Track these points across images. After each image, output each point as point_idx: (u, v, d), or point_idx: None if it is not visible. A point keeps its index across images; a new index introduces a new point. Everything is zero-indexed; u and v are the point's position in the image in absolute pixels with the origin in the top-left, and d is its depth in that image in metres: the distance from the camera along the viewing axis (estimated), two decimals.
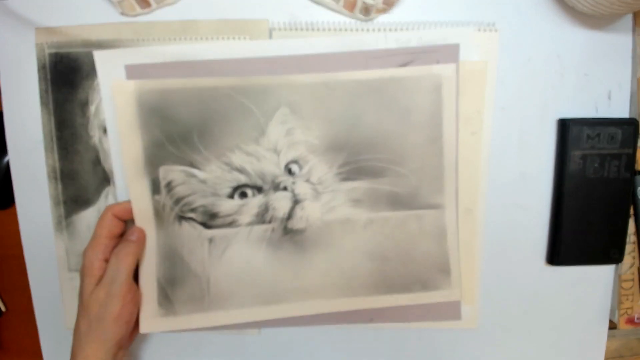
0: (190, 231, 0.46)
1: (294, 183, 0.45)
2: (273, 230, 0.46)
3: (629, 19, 0.42)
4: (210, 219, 0.45)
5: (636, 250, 0.40)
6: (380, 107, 0.45)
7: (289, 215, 0.46)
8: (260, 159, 0.45)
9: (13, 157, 0.42)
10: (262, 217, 0.46)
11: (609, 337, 0.41)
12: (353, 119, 0.44)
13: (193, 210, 0.46)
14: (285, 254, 0.46)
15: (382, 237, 0.47)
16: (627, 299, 0.39)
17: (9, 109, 0.42)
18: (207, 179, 0.45)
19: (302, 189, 0.45)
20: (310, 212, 0.46)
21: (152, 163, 0.44)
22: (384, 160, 0.46)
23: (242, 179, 0.45)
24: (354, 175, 0.46)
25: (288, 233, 0.46)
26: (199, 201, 0.46)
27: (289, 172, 0.46)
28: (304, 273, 0.46)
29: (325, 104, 0.44)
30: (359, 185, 0.46)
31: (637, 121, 0.41)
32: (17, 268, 0.43)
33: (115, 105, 0.44)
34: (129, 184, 0.45)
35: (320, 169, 0.46)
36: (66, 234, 0.44)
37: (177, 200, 0.46)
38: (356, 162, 0.46)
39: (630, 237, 0.40)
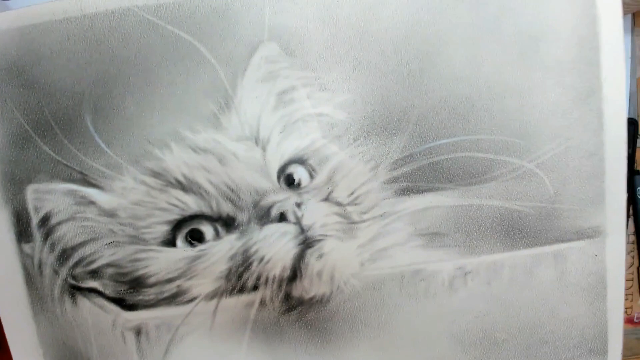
0: (97, 315, 0.26)
1: (299, 205, 0.24)
2: (263, 303, 0.25)
3: (627, 20, 0.39)
4: (131, 291, 0.25)
5: (635, 250, 0.38)
6: (479, 31, 0.24)
7: (295, 272, 0.25)
8: (226, 158, 0.24)
9: None
10: (239, 279, 0.25)
11: None
12: (422, 60, 0.24)
13: (95, 273, 0.25)
14: (292, 349, 0.26)
15: (487, 302, 0.26)
16: (627, 299, 0.38)
17: None
18: (117, 207, 0.25)
19: (317, 216, 0.24)
20: (339, 263, 0.25)
21: (14, 179, 0.25)
22: (488, 146, 0.25)
23: (191, 203, 0.25)
24: (424, 181, 0.25)
25: (294, 307, 0.25)
26: (105, 255, 0.25)
27: (289, 183, 0.25)
28: None
29: (360, 28, 0.24)
30: (437, 202, 0.25)
31: (637, 121, 0.36)
32: None
33: None
34: None
35: (354, 172, 0.25)
36: None
37: (64, 254, 0.25)
38: (429, 153, 0.25)
39: (630, 237, 0.38)
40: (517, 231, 0.25)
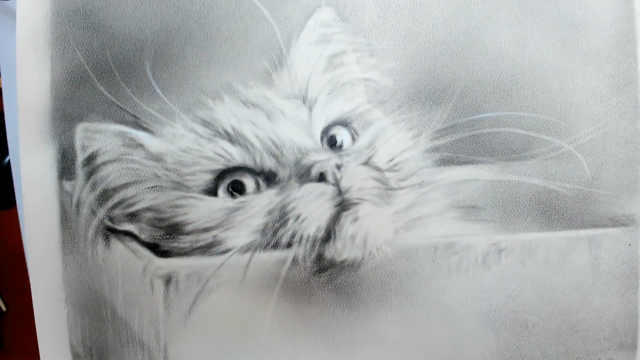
0: (128, 260, 0.26)
1: (339, 167, 0.25)
2: (295, 262, 0.25)
3: None
4: (167, 237, 0.25)
5: None
6: (524, 13, 0.25)
7: (329, 234, 0.25)
8: (274, 115, 0.25)
9: (14, 157, 0.39)
10: (274, 235, 0.25)
11: None
12: (469, 35, 0.25)
13: (133, 216, 0.26)
14: (318, 312, 0.25)
15: (519, 282, 0.26)
16: None
17: (10, 109, 0.38)
18: (165, 152, 0.25)
19: (356, 179, 0.25)
20: (372, 228, 0.25)
21: (65, 116, 0.26)
22: (530, 124, 0.25)
23: (236, 155, 0.25)
24: (465, 153, 0.25)
25: (325, 269, 0.25)
26: (146, 199, 0.25)
27: (331, 144, 0.25)
28: (357, 349, 0.26)
29: (411, 2, 0.25)
30: (476, 175, 0.25)
31: None
32: (18, 268, 0.41)
33: (17, 9, 0.26)
34: (20, 156, 0.26)
35: (396, 139, 0.25)
36: None
37: (104, 195, 0.26)
38: (472, 125, 0.25)
39: None
40: (553, 212, 0.25)
